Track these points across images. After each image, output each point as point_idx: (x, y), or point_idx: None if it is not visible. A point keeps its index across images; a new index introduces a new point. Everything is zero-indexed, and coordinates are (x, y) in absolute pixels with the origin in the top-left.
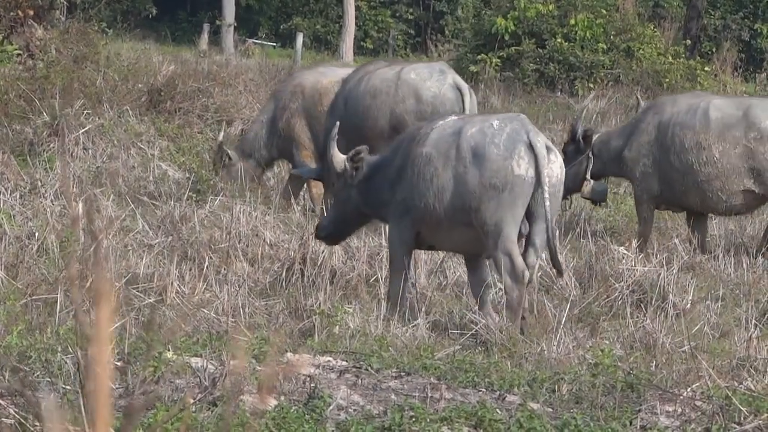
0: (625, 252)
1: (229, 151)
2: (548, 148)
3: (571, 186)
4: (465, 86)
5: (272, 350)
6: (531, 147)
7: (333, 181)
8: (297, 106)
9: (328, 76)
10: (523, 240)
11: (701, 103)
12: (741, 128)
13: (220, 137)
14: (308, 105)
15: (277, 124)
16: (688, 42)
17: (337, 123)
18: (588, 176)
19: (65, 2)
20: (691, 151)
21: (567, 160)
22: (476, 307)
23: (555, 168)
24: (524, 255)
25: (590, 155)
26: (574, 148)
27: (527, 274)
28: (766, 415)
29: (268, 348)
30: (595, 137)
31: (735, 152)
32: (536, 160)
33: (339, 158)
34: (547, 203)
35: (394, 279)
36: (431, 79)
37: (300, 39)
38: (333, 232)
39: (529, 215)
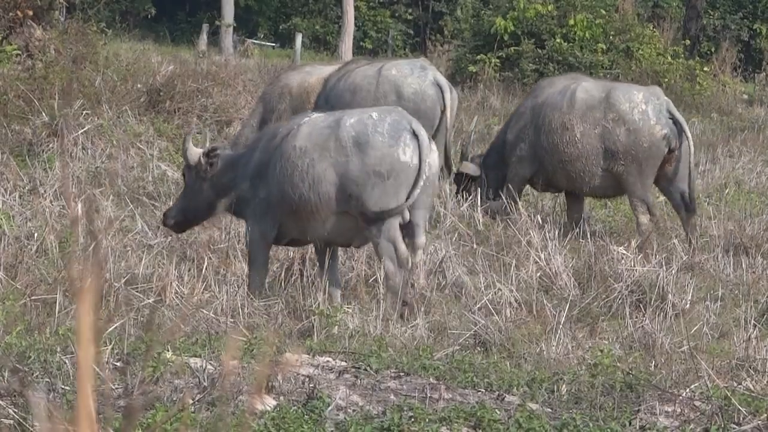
0: (625, 252)
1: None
2: (429, 139)
3: None
4: (445, 83)
5: (268, 349)
6: (415, 135)
7: (185, 172)
8: (285, 107)
9: (314, 75)
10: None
11: (572, 85)
12: (601, 109)
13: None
14: (296, 104)
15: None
16: (688, 42)
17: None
18: (486, 197)
19: (64, 2)
20: (557, 131)
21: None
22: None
23: (435, 157)
24: (413, 238)
25: (483, 176)
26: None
27: (410, 259)
28: (765, 415)
29: (267, 348)
30: (474, 162)
31: (594, 133)
32: (420, 148)
33: (194, 152)
34: (417, 190)
35: (254, 275)
36: (412, 75)
37: (299, 39)
38: (181, 221)
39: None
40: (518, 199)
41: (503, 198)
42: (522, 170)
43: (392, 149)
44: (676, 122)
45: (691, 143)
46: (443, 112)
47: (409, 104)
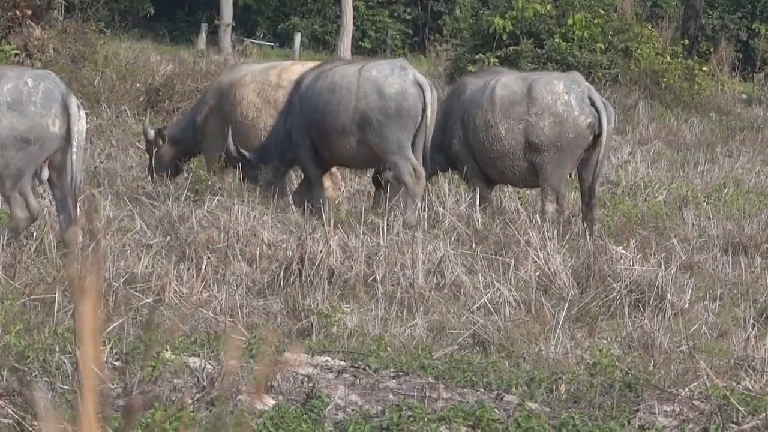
0: (623, 252)
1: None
2: (78, 107)
3: None
4: (425, 82)
5: (267, 348)
6: (65, 106)
7: None
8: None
9: (244, 71)
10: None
11: (491, 82)
12: (524, 104)
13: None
14: (222, 103)
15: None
16: (686, 42)
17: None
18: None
19: (63, 2)
20: (482, 129)
21: None
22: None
23: (83, 124)
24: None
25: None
26: None
27: (37, 216)
28: (764, 414)
29: (266, 348)
30: None
31: (519, 128)
32: (69, 118)
33: None
34: (75, 156)
35: None
36: (393, 75)
37: (298, 39)
38: None
39: (60, 167)
40: (486, 193)
41: (475, 197)
42: (472, 165)
43: (43, 119)
44: (597, 109)
45: (606, 134)
46: (424, 110)
47: (391, 104)
